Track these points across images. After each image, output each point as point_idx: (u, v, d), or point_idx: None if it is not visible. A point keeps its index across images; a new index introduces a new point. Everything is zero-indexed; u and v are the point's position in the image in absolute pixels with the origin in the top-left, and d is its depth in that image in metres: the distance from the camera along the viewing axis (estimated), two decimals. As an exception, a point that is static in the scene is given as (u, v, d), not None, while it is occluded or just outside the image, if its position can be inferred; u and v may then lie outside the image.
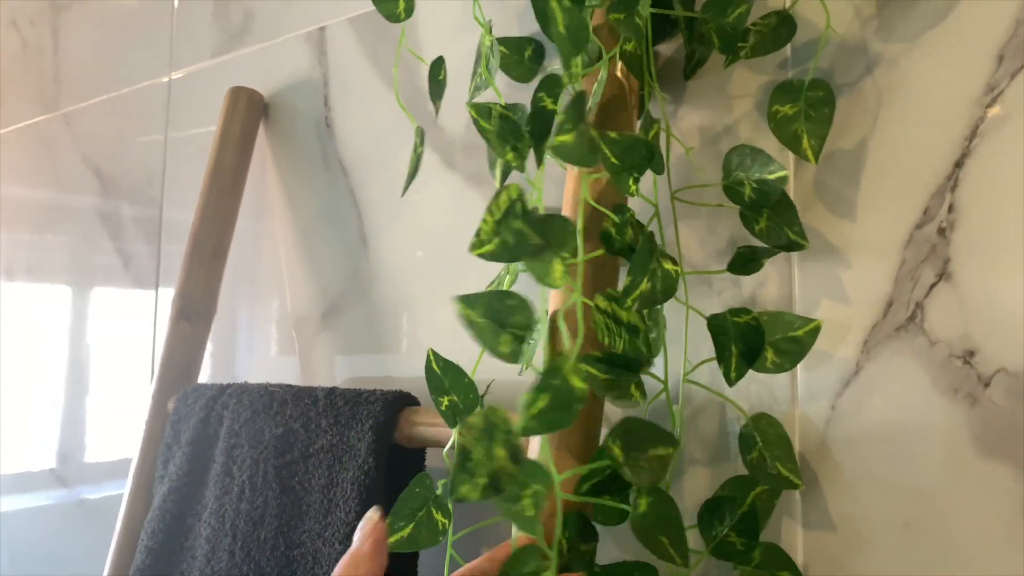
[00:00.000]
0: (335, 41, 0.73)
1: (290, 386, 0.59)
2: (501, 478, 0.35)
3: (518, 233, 0.34)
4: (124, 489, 0.68)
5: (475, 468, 0.35)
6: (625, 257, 0.43)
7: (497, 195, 0.35)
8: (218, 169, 0.73)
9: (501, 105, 0.41)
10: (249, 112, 0.75)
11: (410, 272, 0.66)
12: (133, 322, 0.88)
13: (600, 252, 0.43)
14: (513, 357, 0.37)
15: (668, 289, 0.38)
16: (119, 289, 0.91)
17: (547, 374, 0.34)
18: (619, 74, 0.47)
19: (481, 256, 0.35)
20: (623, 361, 0.39)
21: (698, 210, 0.52)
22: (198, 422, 0.62)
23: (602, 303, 0.40)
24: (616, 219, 0.41)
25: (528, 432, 0.33)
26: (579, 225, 0.39)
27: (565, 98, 0.42)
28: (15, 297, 1.04)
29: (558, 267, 0.37)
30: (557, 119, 0.38)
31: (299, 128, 0.75)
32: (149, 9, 0.92)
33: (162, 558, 0.61)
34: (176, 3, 0.89)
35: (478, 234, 0.35)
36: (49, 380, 0.97)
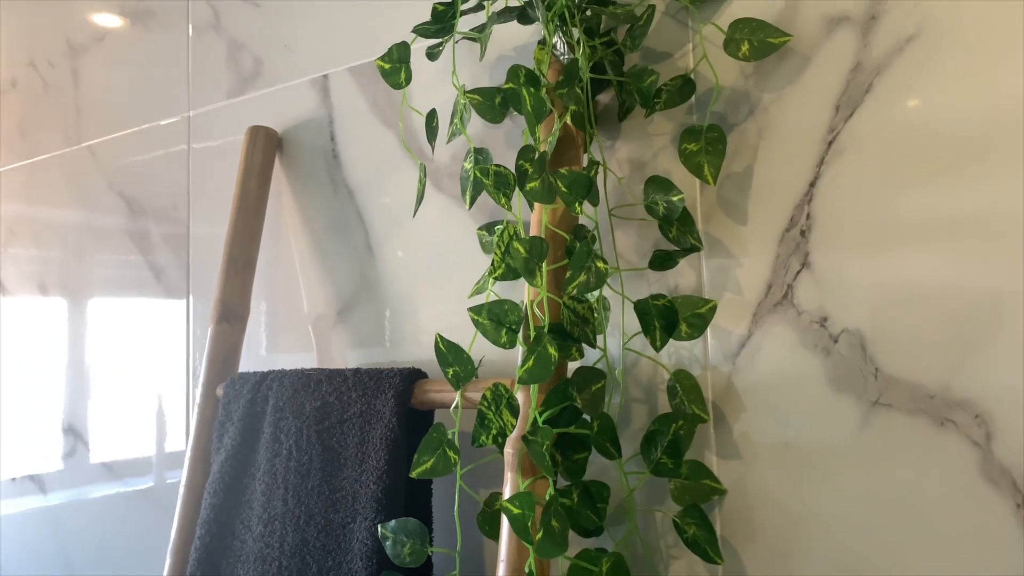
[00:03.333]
0: (337, 86, 0.89)
1: (322, 369, 0.75)
2: (507, 432, 0.53)
3: (515, 252, 0.51)
4: (182, 468, 0.83)
5: (489, 424, 0.52)
6: None
7: (500, 233, 0.51)
8: (244, 195, 0.88)
9: (494, 165, 0.57)
10: (267, 146, 0.90)
11: (411, 274, 0.82)
12: (166, 328, 1.03)
13: (565, 262, 0.59)
14: (510, 345, 0.54)
15: (599, 280, 0.55)
16: (151, 299, 1.05)
17: (534, 343, 0.51)
18: (569, 123, 0.64)
19: (497, 279, 0.52)
20: (567, 334, 0.56)
21: (632, 223, 0.69)
22: (247, 402, 0.78)
23: (568, 302, 0.57)
24: (569, 238, 0.57)
25: (523, 382, 0.50)
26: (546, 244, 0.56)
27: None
28: (52, 311, 1.18)
29: (539, 273, 0.54)
30: (529, 172, 0.54)
31: (310, 159, 0.90)
32: (164, 54, 1.06)
33: (224, 511, 0.76)
34: (190, 50, 1.03)
35: (493, 263, 0.51)
36: (91, 385, 1.11)
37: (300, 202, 0.91)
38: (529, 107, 0.55)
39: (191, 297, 1.01)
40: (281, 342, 0.92)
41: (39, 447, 1.18)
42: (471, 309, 0.56)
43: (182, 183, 1.03)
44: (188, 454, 0.83)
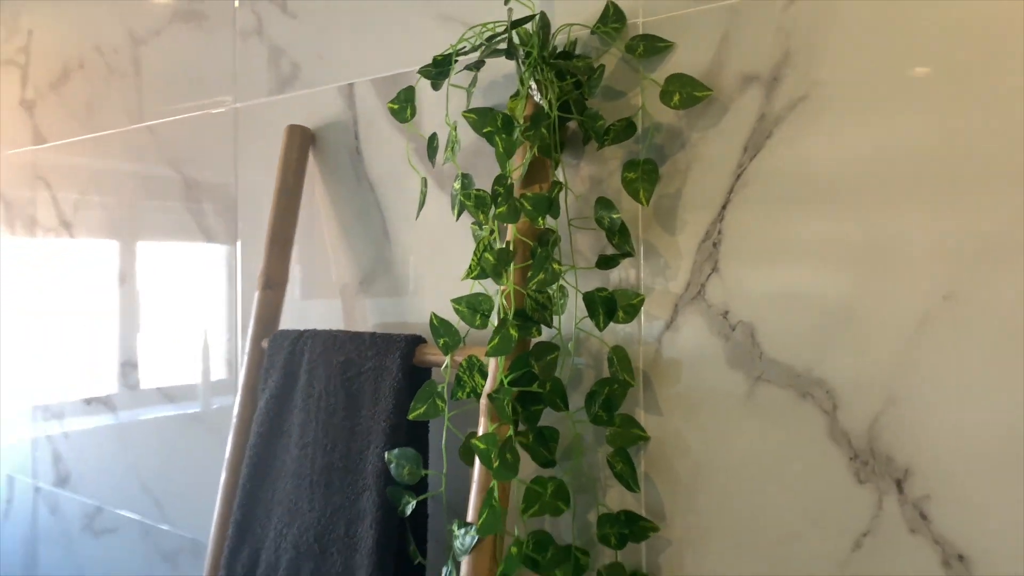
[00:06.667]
0: (361, 94, 1.06)
1: (346, 331, 0.95)
2: (478, 390, 0.73)
3: (486, 261, 0.70)
4: (223, 396, 1.04)
5: (464, 384, 0.72)
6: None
7: (478, 243, 0.70)
8: (283, 184, 1.07)
9: (477, 189, 0.76)
10: (302, 143, 1.09)
11: (417, 255, 1.01)
12: (217, 285, 1.24)
13: (530, 262, 0.78)
14: (483, 327, 0.74)
15: (554, 278, 0.74)
16: (207, 257, 1.26)
17: (499, 326, 0.70)
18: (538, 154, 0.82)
19: (472, 278, 0.71)
20: (528, 319, 0.76)
21: (589, 231, 0.87)
22: (287, 354, 0.99)
23: (531, 293, 0.76)
24: (533, 244, 0.76)
25: (489, 355, 0.70)
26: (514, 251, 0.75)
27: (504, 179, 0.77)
28: (131, 261, 1.40)
29: (507, 275, 0.73)
30: (498, 198, 0.73)
31: (337, 154, 1.09)
32: (213, 51, 1.24)
33: (268, 438, 0.98)
34: (235, 51, 1.21)
35: (470, 266, 0.70)
36: (156, 324, 1.33)
37: (330, 190, 1.10)
38: (501, 149, 0.73)
39: (239, 258, 1.21)
40: (314, 304, 1.12)
41: (108, 373, 1.41)
42: (453, 300, 0.75)
43: (230, 165, 1.22)
44: (240, 392, 1.04)
